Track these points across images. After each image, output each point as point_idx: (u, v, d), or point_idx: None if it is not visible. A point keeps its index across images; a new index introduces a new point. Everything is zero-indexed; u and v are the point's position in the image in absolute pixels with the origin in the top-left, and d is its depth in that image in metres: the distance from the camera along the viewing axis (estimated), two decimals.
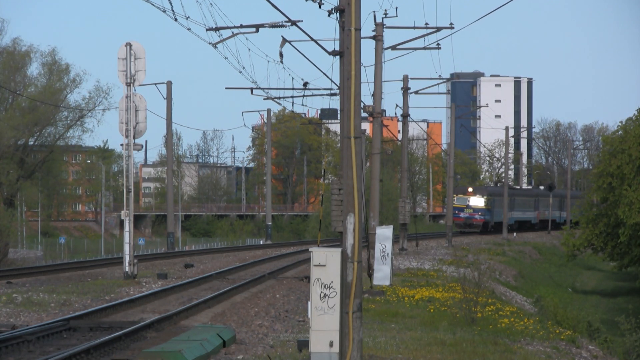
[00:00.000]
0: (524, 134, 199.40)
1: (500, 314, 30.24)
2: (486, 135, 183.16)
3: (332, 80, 32.61)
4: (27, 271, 43.24)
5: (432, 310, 30.09)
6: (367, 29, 70.10)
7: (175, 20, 31.68)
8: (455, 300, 31.40)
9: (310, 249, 18.37)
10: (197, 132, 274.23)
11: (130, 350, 21.07)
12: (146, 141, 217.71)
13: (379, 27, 43.79)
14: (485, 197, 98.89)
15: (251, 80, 46.26)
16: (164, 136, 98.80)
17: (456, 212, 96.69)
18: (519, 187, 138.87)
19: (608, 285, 74.05)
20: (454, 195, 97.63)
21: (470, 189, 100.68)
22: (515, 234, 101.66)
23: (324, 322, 18.08)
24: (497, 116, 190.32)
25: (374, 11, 57.47)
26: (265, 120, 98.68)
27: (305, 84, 38.45)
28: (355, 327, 18.29)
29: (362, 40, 18.83)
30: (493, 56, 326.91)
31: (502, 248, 77.81)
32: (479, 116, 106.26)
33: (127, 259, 39.54)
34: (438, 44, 49.20)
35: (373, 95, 43.59)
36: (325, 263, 18.11)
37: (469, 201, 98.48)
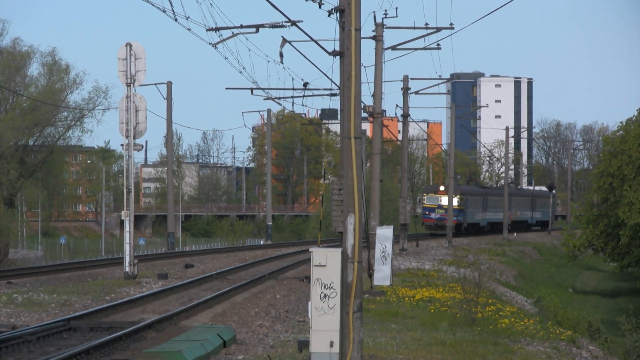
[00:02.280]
0: (524, 134, 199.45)
1: (501, 314, 30.23)
2: (486, 135, 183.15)
3: (332, 81, 32.59)
4: (28, 271, 43.22)
5: (432, 311, 30.07)
6: (367, 29, 70.03)
7: (175, 20, 31.69)
8: (456, 300, 31.39)
9: (310, 249, 18.36)
10: (197, 132, 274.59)
11: (131, 351, 21.04)
12: (146, 141, 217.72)
13: (379, 27, 43.77)
14: (458, 196, 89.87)
15: (251, 80, 46.42)
16: (164, 136, 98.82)
17: (427, 212, 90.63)
18: (489, 185, 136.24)
19: (608, 285, 74.06)
20: (424, 194, 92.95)
21: (442, 188, 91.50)
22: (515, 234, 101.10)
23: (324, 323, 18.07)
24: (497, 116, 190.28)
25: (374, 11, 57.41)
26: (266, 121, 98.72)
27: (306, 84, 38.40)
28: (355, 327, 18.28)
29: (362, 40, 18.81)
30: (493, 56, 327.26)
31: (502, 248, 77.79)
32: (479, 116, 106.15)
33: (127, 259, 39.54)
34: (438, 44, 49.21)
35: (373, 95, 43.58)
36: (326, 263, 18.10)
37: (440, 201, 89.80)
